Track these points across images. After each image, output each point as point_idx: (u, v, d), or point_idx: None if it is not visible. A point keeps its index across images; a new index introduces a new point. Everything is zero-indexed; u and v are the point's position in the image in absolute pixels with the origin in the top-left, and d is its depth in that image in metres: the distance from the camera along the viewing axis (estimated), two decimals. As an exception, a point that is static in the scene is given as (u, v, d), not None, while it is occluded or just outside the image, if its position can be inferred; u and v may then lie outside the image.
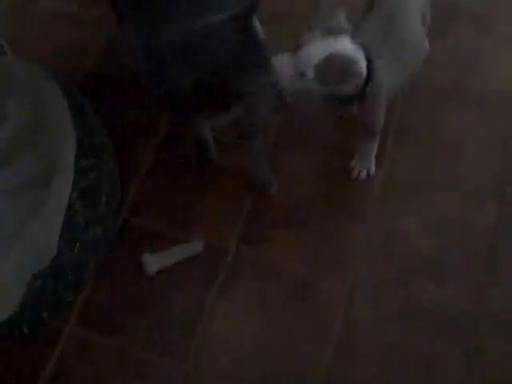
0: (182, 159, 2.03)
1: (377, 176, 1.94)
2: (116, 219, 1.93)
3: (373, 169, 1.92)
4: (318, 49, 1.50)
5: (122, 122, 2.13)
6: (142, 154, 2.05)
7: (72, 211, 1.66)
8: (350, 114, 1.74)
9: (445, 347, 1.70)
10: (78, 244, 1.68)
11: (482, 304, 1.74)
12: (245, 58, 1.54)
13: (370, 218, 1.89)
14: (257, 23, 1.71)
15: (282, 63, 1.52)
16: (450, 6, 2.22)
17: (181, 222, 1.93)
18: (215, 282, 1.83)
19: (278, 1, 2.25)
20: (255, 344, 1.74)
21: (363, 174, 1.92)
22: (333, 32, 1.53)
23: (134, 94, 2.19)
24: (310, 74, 1.50)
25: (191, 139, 1.92)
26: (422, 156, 1.97)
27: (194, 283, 1.83)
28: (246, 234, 1.89)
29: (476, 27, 2.15)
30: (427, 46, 1.72)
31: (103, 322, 1.80)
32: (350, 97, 1.63)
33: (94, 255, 1.77)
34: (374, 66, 1.58)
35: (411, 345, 1.71)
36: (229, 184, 1.98)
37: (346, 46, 1.51)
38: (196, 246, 1.86)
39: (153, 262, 1.83)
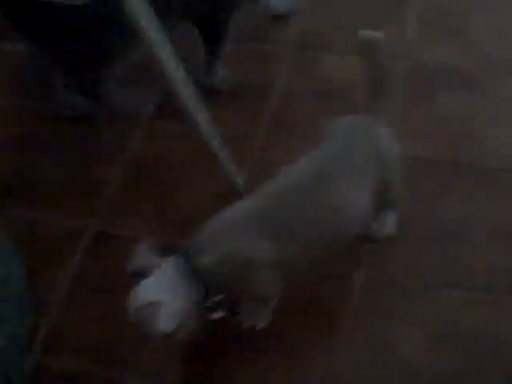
0: (111, 271, 1.70)
1: (357, 275, 1.68)
2: (23, 362, 1.52)
3: (261, 325, 1.64)
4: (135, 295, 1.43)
5: (32, 228, 1.82)
6: (62, 269, 1.73)
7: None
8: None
9: None
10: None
11: None
12: None
13: (349, 330, 1.59)
14: None
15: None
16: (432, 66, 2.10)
17: (115, 359, 1.58)
18: None
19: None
20: None
21: (246, 324, 1.64)
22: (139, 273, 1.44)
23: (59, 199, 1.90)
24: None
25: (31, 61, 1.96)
26: (416, 247, 1.74)
27: None
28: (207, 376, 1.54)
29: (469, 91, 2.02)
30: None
31: None
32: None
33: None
34: (204, 267, 1.43)
35: None
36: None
37: (149, 294, 1.41)
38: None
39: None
